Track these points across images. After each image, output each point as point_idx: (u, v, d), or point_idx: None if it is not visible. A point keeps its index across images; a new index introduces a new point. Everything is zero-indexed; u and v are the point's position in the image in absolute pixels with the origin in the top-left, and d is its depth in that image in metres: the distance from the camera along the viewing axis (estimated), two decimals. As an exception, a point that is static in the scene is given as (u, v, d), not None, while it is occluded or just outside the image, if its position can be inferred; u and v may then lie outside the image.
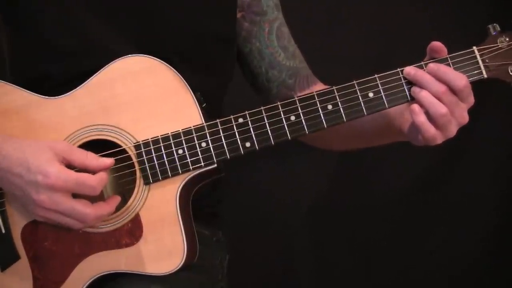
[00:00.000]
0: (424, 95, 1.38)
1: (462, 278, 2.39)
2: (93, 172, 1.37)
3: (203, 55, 1.59)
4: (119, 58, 1.45)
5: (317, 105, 1.42)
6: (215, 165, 1.42)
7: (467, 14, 2.25)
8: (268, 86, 1.67)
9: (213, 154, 1.42)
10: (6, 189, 1.41)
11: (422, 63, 1.41)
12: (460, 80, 1.37)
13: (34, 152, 1.36)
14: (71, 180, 1.34)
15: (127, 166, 1.44)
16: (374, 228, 2.38)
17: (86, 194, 1.36)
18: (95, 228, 1.42)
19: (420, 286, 2.41)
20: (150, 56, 1.44)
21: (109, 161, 1.39)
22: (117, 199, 1.41)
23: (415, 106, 1.38)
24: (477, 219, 2.37)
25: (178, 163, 1.42)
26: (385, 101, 1.41)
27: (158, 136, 1.42)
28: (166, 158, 1.42)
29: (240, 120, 1.42)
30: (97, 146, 1.43)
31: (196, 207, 1.48)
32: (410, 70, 1.41)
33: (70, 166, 1.37)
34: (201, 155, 1.42)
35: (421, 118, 1.38)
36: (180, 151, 1.42)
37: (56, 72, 1.52)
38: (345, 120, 1.41)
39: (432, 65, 1.39)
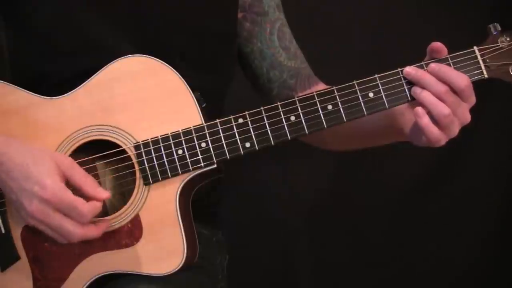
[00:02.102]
0: (425, 95, 1.38)
1: (463, 278, 2.39)
2: (86, 197, 1.35)
3: (203, 55, 1.59)
4: (119, 58, 1.44)
5: (317, 105, 1.41)
6: (215, 165, 1.42)
7: (467, 14, 2.25)
8: (269, 87, 1.67)
9: (213, 155, 1.41)
10: (3, 190, 1.40)
11: (423, 63, 1.41)
12: (462, 80, 1.37)
13: (37, 160, 1.35)
14: (65, 200, 1.32)
15: (127, 166, 1.44)
16: (374, 228, 2.38)
17: (73, 218, 1.34)
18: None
19: (420, 286, 2.41)
20: (150, 57, 1.44)
21: (105, 194, 1.37)
22: (107, 223, 1.39)
23: (419, 109, 1.38)
24: (477, 219, 2.37)
25: (177, 164, 1.41)
26: (385, 101, 1.41)
27: (157, 137, 1.42)
28: (166, 158, 1.42)
29: (240, 120, 1.42)
30: (97, 146, 1.43)
31: (196, 207, 1.48)
32: (410, 70, 1.40)
33: (67, 183, 1.35)
34: (201, 155, 1.41)
35: (425, 120, 1.37)
36: (180, 152, 1.42)
37: (56, 72, 1.52)
38: (345, 120, 1.41)
39: (434, 65, 1.39)
